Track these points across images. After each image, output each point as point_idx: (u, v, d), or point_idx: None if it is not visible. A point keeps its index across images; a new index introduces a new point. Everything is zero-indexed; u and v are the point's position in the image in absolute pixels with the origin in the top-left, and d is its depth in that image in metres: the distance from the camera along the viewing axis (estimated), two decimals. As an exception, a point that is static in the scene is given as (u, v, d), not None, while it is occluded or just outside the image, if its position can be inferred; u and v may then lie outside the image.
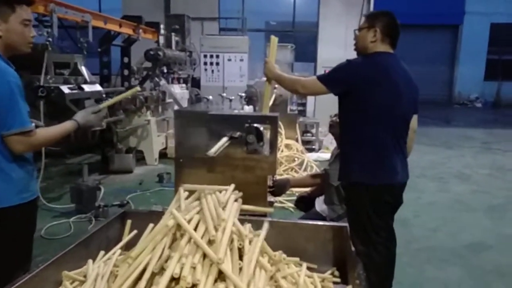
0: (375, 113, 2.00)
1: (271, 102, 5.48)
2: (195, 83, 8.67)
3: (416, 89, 2.16)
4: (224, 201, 1.84)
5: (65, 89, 3.85)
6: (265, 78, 2.46)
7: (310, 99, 8.68)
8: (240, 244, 1.59)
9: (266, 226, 1.83)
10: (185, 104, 6.64)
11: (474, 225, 3.97)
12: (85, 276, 1.72)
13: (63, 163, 6.09)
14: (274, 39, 2.46)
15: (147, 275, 1.46)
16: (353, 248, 2.05)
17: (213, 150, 2.19)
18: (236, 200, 2.01)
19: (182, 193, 1.88)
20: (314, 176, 3.10)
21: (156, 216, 1.80)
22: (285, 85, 2.35)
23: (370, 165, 2.03)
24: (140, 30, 5.83)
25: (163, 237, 1.61)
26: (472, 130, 10.40)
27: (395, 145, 2.04)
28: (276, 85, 5.87)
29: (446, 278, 2.89)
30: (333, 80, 2.07)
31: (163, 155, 6.28)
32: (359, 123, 2.05)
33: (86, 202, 3.89)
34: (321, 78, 2.09)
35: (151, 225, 1.83)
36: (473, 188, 5.28)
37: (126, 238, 2.06)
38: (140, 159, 6.05)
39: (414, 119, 2.19)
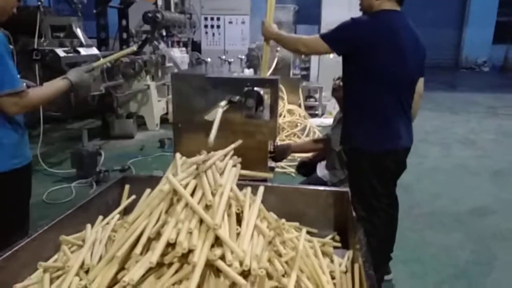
0: (379, 75, 1.91)
1: (273, 66, 5.38)
2: (196, 47, 8.48)
3: (423, 50, 2.05)
4: (222, 167, 1.80)
5: (60, 52, 3.75)
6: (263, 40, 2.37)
7: (314, 63, 8.49)
8: (238, 209, 1.57)
9: (261, 190, 1.79)
10: (185, 68, 6.51)
11: (477, 190, 3.95)
12: (83, 241, 1.72)
13: (63, 128, 6.06)
14: None
15: (143, 240, 1.43)
16: (354, 214, 2.03)
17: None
18: (234, 166, 1.97)
19: (179, 159, 1.83)
20: (315, 141, 3.05)
21: (155, 181, 1.76)
22: (286, 44, 2.26)
23: (372, 130, 1.97)
24: (137, -9, 5.61)
25: (159, 202, 1.58)
26: (478, 95, 10.22)
27: (399, 109, 1.96)
28: (278, 48, 5.75)
29: (446, 243, 2.89)
30: (337, 39, 1.98)
31: (164, 120, 6.23)
32: (362, 86, 1.96)
33: (87, 167, 3.88)
34: (324, 37, 1.99)
35: (148, 190, 1.80)
36: (477, 153, 5.23)
37: (124, 203, 2.05)
38: (141, 124, 6.01)
39: (420, 83, 2.11)
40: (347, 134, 2.08)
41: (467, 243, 2.90)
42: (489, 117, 7.62)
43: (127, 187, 2.24)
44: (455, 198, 3.71)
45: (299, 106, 6.25)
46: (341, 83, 2.65)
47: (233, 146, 2.02)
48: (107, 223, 1.83)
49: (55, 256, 1.69)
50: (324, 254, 1.99)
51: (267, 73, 2.58)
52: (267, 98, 2.46)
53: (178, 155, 1.86)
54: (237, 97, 2.44)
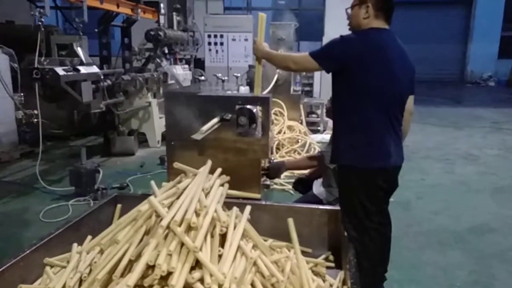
0: (368, 92, 1.91)
1: (273, 82, 5.40)
2: (200, 63, 8.57)
3: (412, 68, 2.05)
4: (208, 187, 1.79)
5: (60, 71, 3.79)
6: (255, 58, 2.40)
7: (316, 79, 8.52)
8: (221, 230, 1.55)
9: (247, 210, 1.78)
10: (187, 85, 6.56)
11: (478, 208, 3.87)
12: (68, 262, 1.71)
13: (66, 145, 6.10)
14: (262, 16, 2.40)
15: (123, 263, 1.43)
16: (345, 233, 2.00)
17: (202, 130, 2.13)
18: (222, 185, 1.96)
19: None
20: (310, 158, 3.03)
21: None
22: (276, 62, 2.28)
23: (361, 147, 1.95)
24: (139, 10, 5.71)
25: (143, 223, 1.57)
26: (483, 109, 10.14)
27: (388, 127, 1.94)
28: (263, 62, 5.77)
29: (445, 262, 2.82)
30: (325, 56, 1.99)
31: (165, 137, 6.24)
32: (351, 103, 1.96)
33: (85, 184, 3.89)
34: (312, 54, 2.00)
35: (135, 209, 1.79)
36: (480, 169, 5.16)
37: (115, 223, 2.04)
38: (143, 141, 6.03)
39: (410, 100, 2.09)
40: (336, 151, 2.06)
41: (466, 263, 2.83)
42: (493, 132, 7.54)
43: (118, 206, 2.24)
44: (456, 216, 3.64)
45: (300, 122, 6.25)
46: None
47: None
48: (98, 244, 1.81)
49: (40, 279, 1.68)
50: (317, 274, 1.96)
51: (260, 91, 2.58)
52: (259, 116, 2.46)
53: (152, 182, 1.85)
54: (230, 115, 2.44)
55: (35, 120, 4.14)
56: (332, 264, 2.09)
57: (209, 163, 2.07)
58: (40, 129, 3.87)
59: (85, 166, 3.90)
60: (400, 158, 2.03)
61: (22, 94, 4.37)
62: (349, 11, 2.06)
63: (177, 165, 1.97)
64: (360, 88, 1.91)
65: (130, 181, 4.40)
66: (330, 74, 2.02)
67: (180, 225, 1.43)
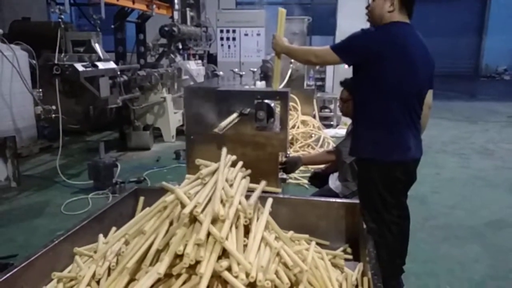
0: (389, 85, 1.91)
1: (286, 78, 5.41)
2: (212, 59, 8.60)
3: (432, 62, 2.05)
4: (232, 179, 1.82)
5: (79, 66, 3.87)
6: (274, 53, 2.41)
7: (329, 73, 8.50)
8: (246, 221, 1.59)
9: (269, 202, 1.81)
10: (201, 80, 6.61)
11: (495, 202, 3.85)
12: (95, 252, 1.76)
13: (83, 140, 6.21)
14: (282, 11, 2.40)
15: (152, 252, 1.47)
16: (364, 226, 2.02)
17: (221, 127, 2.17)
18: (244, 178, 2.00)
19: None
20: (326, 153, 3.05)
21: (167, 193, 1.81)
22: (297, 56, 2.28)
23: (381, 140, 1.96)
24: (154, 6, 5.76)
25: (168, 214, 1.62)
26: (498, 103, 10.00)
27: (408, 121, 1.96)
28: (292, 60, 5.78)
29: (462, 256, 2.83)
30: (347, 50, 1.99)
31: (180, 132, 6.31)
32: (372, 96, 1.97)
33: (104, 178, 3.96)
34: (334, 48, 2.00)
35: (160, 200, 1.84)
36: (496, 164, 5.11)
37: (138, 215, 2.08)
38: (158, 136, 6.10)
39: (429, 95, 2.10)
40: (356, 144, 2.08)
41: (484, 257, 2.83)
42: (509, 126, 7.44)
43: (141, 199, 2.30)
44: (472, 210, 3.63)
45: (313, 117, 6.25)
46: (343, 103, 2.69)
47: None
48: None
49: (70, 267, 1.74)
50: (336, 266, 1.99)
51: (279, 86, 2.61)
52: (278, 110, 2.49)
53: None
54: (248, 109, 2.48)
55: (54, 115, 4.24)
56: (350, 257, 2.12)
57: (224, 151, 2.10)
58: (60, 124, 3.95)
59: (104, 160, 3.98)
60: (419, 151, 2.04)
61: (40, 90, 4.47)
62: (370, 0, 2.05)
63: (198, 161, 2.01)
64: (381, 82, 1.92)
65: (146, 175, 4.47)
66: (351, 67, 2.03)
67: (202, 212, 1.46)
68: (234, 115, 2.39)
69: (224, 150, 2.14)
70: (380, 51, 1.89)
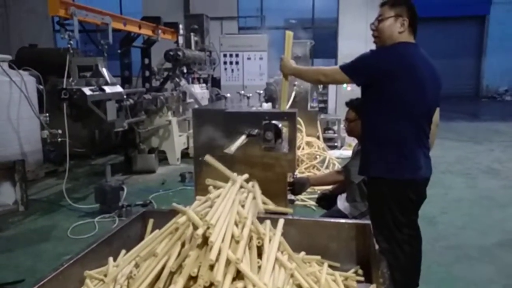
0: (399, 105, 1.93)
1: (291, 100, 5.46)
2: (216, 82, 8.71)
3: (440, 81, 2.07)
4: (243, 199, 1.82)
5: (86, 91, 3.92)
6: (281, 75, 2.44)
7: (331, 95, 8.57)
8: (259, 243, 1.57)
9: (281, 223, 1.80)
10: (205, 103, 6.67)
11: (504, 222, 3.81)
12: (106, 275, 1.74)
13: (88, 164, 6.22)
14: (289, 34, 2.42)
15: (165, 274, 1.45)
16: (376, 246, 1.99)
17: (232, 149, 2.17)
18: (254, 198, 1.99)
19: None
20: (334, 173, 3.04)
21: (175, 215, 1.80)
22: (306, 77, 2.33)
23: (391, 159, 1.96)
24: (159, 31, 5.88)
25: (180, 236, 1.61)
26: (502, 124, 10.02)
27: (418, 140, 1.96)
28: (296, 82, 5.84)
29: (476, 277, 2.78)
30: (356, 69, 2.01)
31: (185, 154, 6.33)
32: (381, 116, 1.98)
33: (110, 202, 3.95)
34: (344, 68, 2.03)
35: (171, 221, 1.82)
36: (503, 183, 5.08)
37: (148, 237, 2.07)
38: (163, 159, 6.11)
39: (436, 113, 2.11)
40: (365, 163, 2.08)
41: (498, 278, 2.77)
42: (514, 146, 7.43)
43: (151, 221, 2.28)
44: (482, 230, 3.59)
45: (318, 138, 6.27)
46: (350, 124, 2.70)
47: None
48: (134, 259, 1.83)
49: (80, 291, 1.71)
50: (347, 288, 1.95)
51: (286, 107, 2.63)
52: (285, 131, 2.50)
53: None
54: (256, 130, 2.48)
55: (60, 139, 4.26)
56: (362, 278, 2.09)
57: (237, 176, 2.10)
58: (67, 148, 3.97)
59: (110, 183, 3.98)
60: (429, 170, 2.04)
61: (47, 114, 4.51)
62: (375, 25, 2.08)
63: (208, 181, 2.01)
64: (391, 102, 1.93)
65: (152, 198, 4.46)
66: (360, 88, 2.05)
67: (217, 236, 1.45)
68: (243, 136, 2.39)
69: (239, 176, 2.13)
70: (389, 70, 1.91)
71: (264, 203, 2.04)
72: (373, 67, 1.96)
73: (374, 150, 2.03)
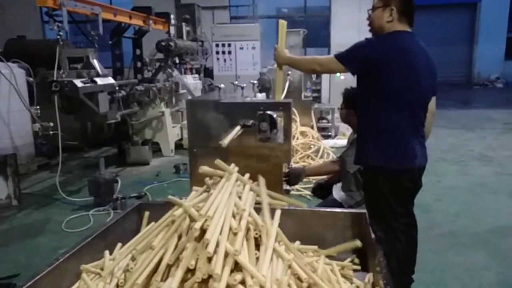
0: (394, 94, 1.92)
1: (285, 90, 5.43)
2: (208, 73, 8.64)
3: (435, 70, 2.07)
4: (240, 191, 1.81)
5: (78, 83, 3.86)
6: (276, 65, 2.41)
7: (324, 85, 8.55)
8: (256, 234, 1.57)
9: (278, 214, 1.79)
10: (198, 94, 6.62)
11: (498, 209, 3.85)
12: (102, 269, 1.73)
13: (81, 156, 6.17)
14: (282, 23, 2.39)
15: (163, 266, 1.44)
16: (372, 235, 2.00)
17: (226, 141, 2.16)
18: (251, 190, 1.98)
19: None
20: (330, 163, 3.04)
21: (171, 207, 1.79)
22: (300, 66, 2.30)
23: (387, 149, 1.96)
24: (151, 21, 5.80)
25: (177, 228, 1.59)
26: (493, 111, 10.09)
27: (414, 128, 1.96)
28: (289, 72, 5.81)
29: (470, 264, 2.81)
30: (352, 58, 1.99)
31: (179, 146, 6.29)
32: (377, 105, 1.97)
33: (104, 194, 3.93)
34: (339, 56, 2.01)
35: (167, 214, 1.81)
36: (496, 170, 5.13)
37: (143, 230, 2.06)
38: (156, 150, 6.07)
39: (432, 101, 2.11)
40: (361, 152, 2.08)
41: (492, 264, 2.81)
42: (506, 133, 7.49)
43: (146, 214, 2.26)
44: (476, 217, 3.63)
45: (312, 127, 6.27)
46: (345, 111, 2.71)
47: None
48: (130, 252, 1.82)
49: (76, 285, 1.70)
50: (344, 277, 1.96)
51: (281, 97, 2.61)
52: (280, 121, 2.49)
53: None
54: (251, 121, 2.47)
55: (52, 132, 4.21)
56: (358, 267, 2.10)
57: (234, 168, 2.09)
58: (59, 141, 3.93)
59: (104, 176, 3.95)
60: (425, 158, 2.04)
61: (38, 107, 4.45)
62: (370, 12, 2.07)
63: (202, 169, 2.00)
64: (386, 91, 1.93)
65: (147, 190, 4.44)
66: (355, 77, 2.04)
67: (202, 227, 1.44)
68: (238, 127, 2.38)
69: (233, 166, 2.12)
70: (384, 58, 1.90)
71: (275, 198, 2.03)
72: (368, 56, 1.95)
73: (370, 139, 2.02)
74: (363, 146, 2.07)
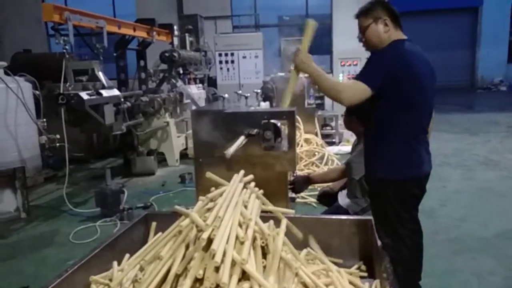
0: (403, 103, 1.93)
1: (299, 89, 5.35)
2: (212, 82, 8.71)
3: (435, 75, 2.09)
4: (246, 199, 1.83)
5: (84, 95, 3.92)
6: (292, 67, 2.18)
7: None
8: (263, 242, 1.58)
9: (284, 223, 1.81)
10: (202, 104, 6.67)
11: (504, 213, 3.83)
12: (111, 280, 1.75)
13: (87, 168, 6.21)
14: (311, 23, 2.09)
15: (171, 276, 1.46)
16: (379, 242, 2.01)
17: (230, 151, 2.18)
18: (257, 197, 2.00)
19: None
20: (335, 170, 3.05)
21: (178, 217, 1.81)
22: (322, 87, 2.02)
23: (396, 159, 1.97)
24: (154, 33, 5.87)
25: (184, 238, 1.61)
26: (498, 114, 10.04)
27: (420, 136, 1.99)
28: (301, 75, 5.80)
29: (477, 268, 2.80)
30: (371, 74, 1.90)
31: (184, 155, 6.33)
32: (386, 115, 1.97)
33: (111, 205, 3.95)
34: (358, 78, 1.92)
35: (175, 224, 1.83)
36: (502, 174, 5.10)
37: (151, 241, 2.08)
38: (162, 160, 6.11)
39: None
40: (371, 164, 2.08)
41: (499, 269, 2.80)
42: (511, 137, 7.46)
43: (153, 224, 2.28)
44: (482, 222, 3.61)
45: (316, 135, 6.28)
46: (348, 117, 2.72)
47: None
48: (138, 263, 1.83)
49: (85, 296, 1.72)
50: (351, 284, 1.97)
51: (287, 104, 2.55)
52: (284, 129, 2.51)
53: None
54: (255, 130, 2.49)
55: (58, 144, 4.26)
56: (365, 274, 2.10)
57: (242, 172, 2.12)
58: (66, 153, 3.97)
59: (110, 187, 3.98)
60: (430, 165, 2.06)
61: (44, 119, 4.51)
62: (360, 36, 2.05)
63: (209, 174, 2.02)
64: (395, 100, 1.93)
65: (153, 200, 4.46)
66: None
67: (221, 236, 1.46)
68: (242, 137, 2.40)
69: (242, 172, 2.15)
70: (393, 70, 1.90)
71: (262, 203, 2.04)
72: (383, 67, 1.91)
73: (378, 150, 2.03)
74: (371, 157, 2.07)
